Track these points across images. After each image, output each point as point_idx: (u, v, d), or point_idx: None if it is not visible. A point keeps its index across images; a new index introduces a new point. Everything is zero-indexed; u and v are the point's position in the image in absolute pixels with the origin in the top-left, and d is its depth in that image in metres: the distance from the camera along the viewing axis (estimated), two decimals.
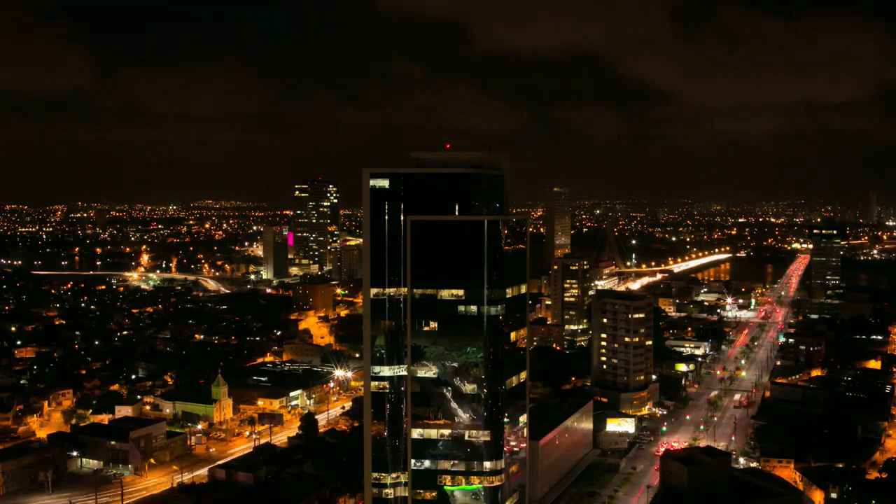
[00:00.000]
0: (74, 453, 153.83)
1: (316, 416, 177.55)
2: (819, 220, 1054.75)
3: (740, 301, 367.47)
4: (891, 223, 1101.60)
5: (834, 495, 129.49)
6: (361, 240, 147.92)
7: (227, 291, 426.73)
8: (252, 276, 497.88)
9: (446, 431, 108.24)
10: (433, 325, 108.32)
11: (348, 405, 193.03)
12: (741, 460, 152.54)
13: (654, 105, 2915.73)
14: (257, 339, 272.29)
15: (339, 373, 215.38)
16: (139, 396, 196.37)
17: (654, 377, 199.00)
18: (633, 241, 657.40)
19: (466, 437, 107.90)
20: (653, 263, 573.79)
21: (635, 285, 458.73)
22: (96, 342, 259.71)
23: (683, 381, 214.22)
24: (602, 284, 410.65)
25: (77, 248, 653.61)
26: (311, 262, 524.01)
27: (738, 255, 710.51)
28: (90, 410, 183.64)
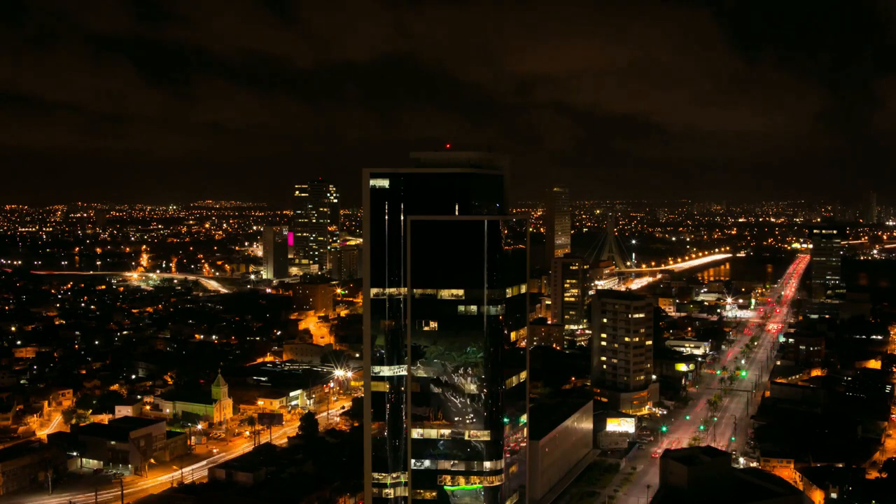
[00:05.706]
0: (74, 453, 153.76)
1: (316, 416, 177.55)
2: (819, 220, 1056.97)
3: (740, 301, 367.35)
4: (891, 223, 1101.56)
5: (834, 495, 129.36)
6: (361, 240, 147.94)
7: (226, 291, 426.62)
8: (252, 276, 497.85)
9: (446, 431, 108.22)
10: (433, 325, 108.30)
11: (348, 405, 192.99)
12: (741, 460, 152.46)
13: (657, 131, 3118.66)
14: (257, 339, 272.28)
15: (339, 373, 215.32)
16: (139, 396, 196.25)
17: (654, 377, 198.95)
18: (634, 241, 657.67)
19: (466, 437, 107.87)
20: (653, 263, 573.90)
21: (635, 285, 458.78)
22: (96, 342, 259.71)
23: (683, 381, 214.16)
24: (602, 284, 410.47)
25: (77, 248, 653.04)
26: (311, 262, 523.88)
27: (738, 255, 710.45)
28: (90, 410, 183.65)
